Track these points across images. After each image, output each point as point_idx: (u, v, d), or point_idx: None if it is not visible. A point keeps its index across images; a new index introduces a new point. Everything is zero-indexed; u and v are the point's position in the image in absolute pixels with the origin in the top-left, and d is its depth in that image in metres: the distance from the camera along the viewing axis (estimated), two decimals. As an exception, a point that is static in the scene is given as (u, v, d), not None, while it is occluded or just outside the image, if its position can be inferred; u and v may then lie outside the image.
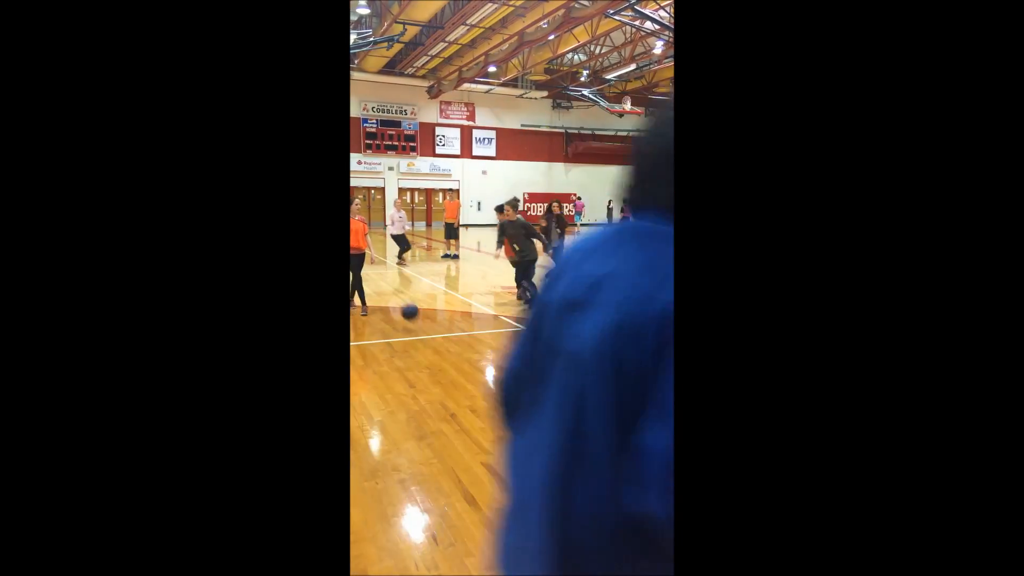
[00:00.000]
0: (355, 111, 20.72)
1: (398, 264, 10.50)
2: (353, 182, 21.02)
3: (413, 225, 21.88)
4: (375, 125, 21.10)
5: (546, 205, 7.36)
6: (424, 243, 15.47)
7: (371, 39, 14.50)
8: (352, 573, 2.02)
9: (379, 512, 2.42)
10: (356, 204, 6.54)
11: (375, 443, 3.13)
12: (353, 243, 6.01)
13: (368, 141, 21.05)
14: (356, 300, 6.26)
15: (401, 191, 21.85)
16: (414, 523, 2.36)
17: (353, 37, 14.45)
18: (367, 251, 6.29)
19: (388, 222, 9.86)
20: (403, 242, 10.92)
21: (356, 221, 6.23)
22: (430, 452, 2.99)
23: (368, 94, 20.69)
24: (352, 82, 19.59)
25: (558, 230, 7.46)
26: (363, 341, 5.25)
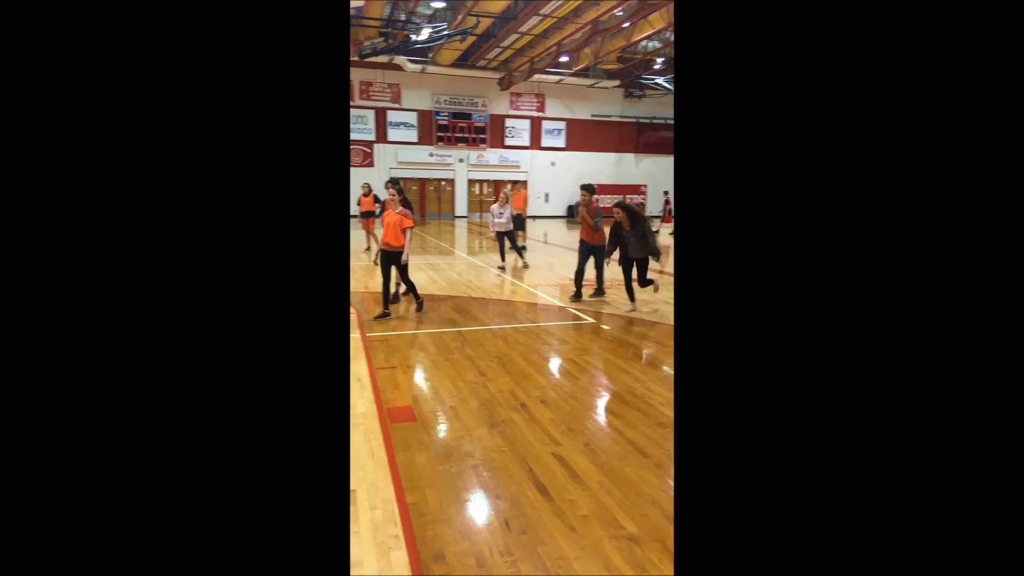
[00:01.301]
0: (427, 104, 21.14)
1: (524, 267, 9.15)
2: (424, 174, 21.49)
3: (480, 216, 22.08)
4: (447, 118, 21.47)
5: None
6: (491, 234, 15.66)
7: (445, 32, 14.72)
8: (430, 551, 2.10)
9: (453, 495, 2.49)
10: (390, 195, 5.58)
11: (448, 428, 3.22)
12: (385, 237, 5.54)
13: (440, 134, 21.46)
14: (383, 294, 5.72)
15: (471, 183, 22.15)
16: (487, 508, 2.41)
17: (427, 32, 14.72)
18: (404, 249, 5.50)
19: (495, 218, 8.93)
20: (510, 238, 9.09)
21: (393, 214, 5.51)
22: (501, 440, 3.04)
23: (441, 87, 21.05)
24: (425, 76, 19.97)
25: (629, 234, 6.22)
26: (434, 329, 5.39)
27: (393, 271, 5.69)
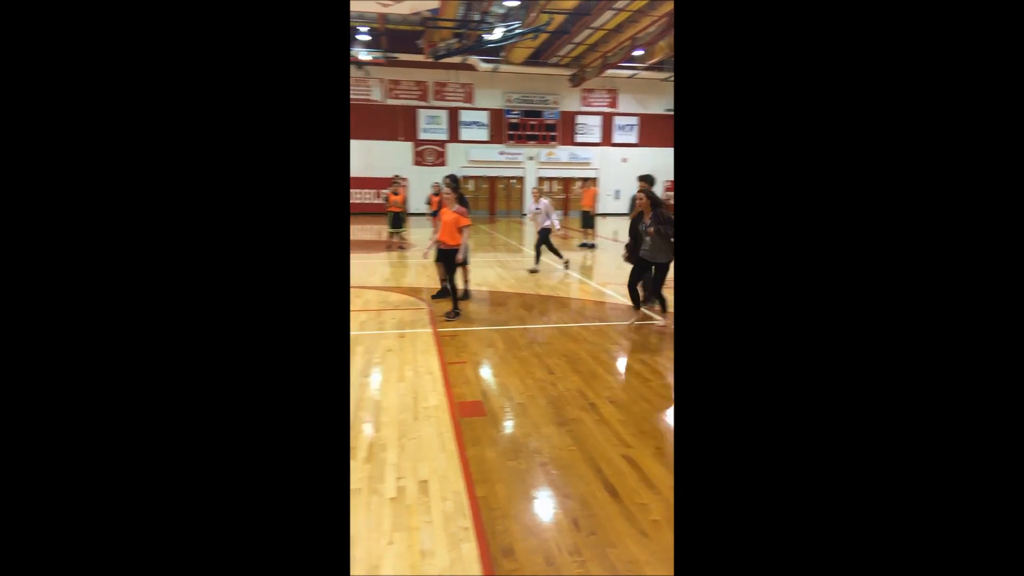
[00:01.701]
0: (499, 103, 21.33)
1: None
2: (494, 172, 21.71)
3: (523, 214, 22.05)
4: (517, 116, 21.57)
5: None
6: (560, 231, 15.60)
7: (517, 31, 14.79)
8: (499, 545, 2.12)
9: (522, 491, 2.51)
10: (445, 192, 5.50)
11: (517, 424, 3.24)
12: (441, 236, 5.45)
13: (510, 132, 21.60)
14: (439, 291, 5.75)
15: (540, 180, 22.15)
16: (556, 507, 2.41)
17: (500, 31, 14.83)
18: (460, 248, 5.39)
19: (534, 215, 8.64)
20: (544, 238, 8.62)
21: (449, 212, 5.40)
22: (570, 439, 3.03)
23: (512, 86, 21.17)
24: (497, 75, 20.15)
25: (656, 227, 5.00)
26: (503, 326, 5.44)
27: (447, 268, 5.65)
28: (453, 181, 5.70)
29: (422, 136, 20.90)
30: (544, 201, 8.71)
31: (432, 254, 6.12)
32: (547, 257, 8.91)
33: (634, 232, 5.27)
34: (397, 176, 11.77)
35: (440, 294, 6.22)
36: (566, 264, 8.72)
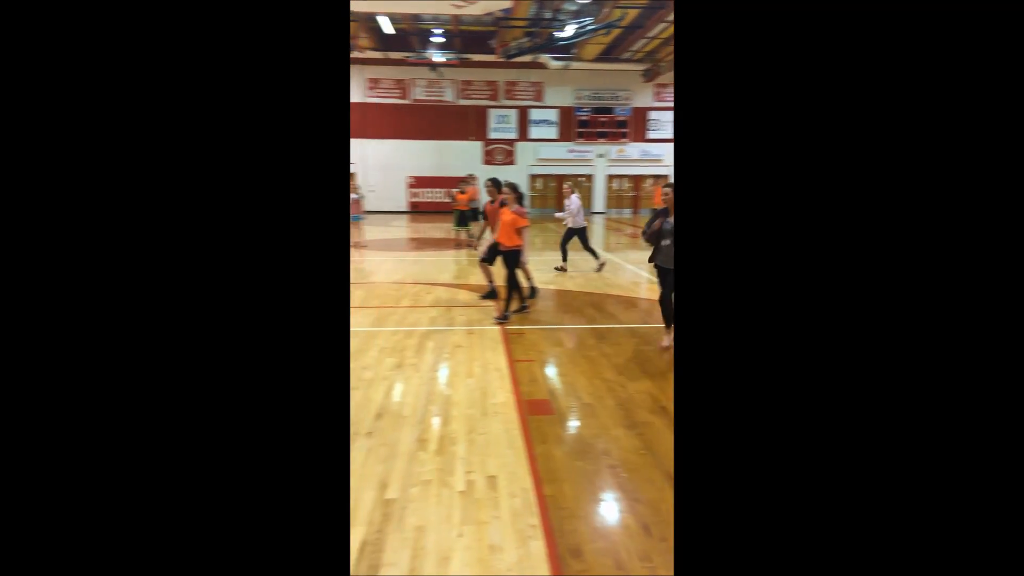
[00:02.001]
0: (569, 100, 21.20)
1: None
2: (563, 171, 21.60)
3: (617, 212, 21.68)
4: (587, 113, 21.36)
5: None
6: (629, 230, 15.29)
7: (590, 27, 14.63)
8: (567, 545, 2.11)
9: (590, 492, 2.49)
10: (504, 193, 5.42)
11: (585, 425, 3.21)
12: (498, 237, 5.38)
13: (580, 129, 21.42)
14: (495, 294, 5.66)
15: (610, 178, 21.84)
16: (625, 510, 2.37)
17: (573, 28, 14.72)
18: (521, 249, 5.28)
19: (570, 212, 8.14)
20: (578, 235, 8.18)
21: (508, 212, 5.31)
22: (639, 442, 2.97)
23: (583, 82, 20.98)
24: (567, 72, 20.02)
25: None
26: (571, 325, 5.40)
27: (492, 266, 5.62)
28: (495, 185, 5.72)
29: (492, 135, 21.12)
30: (575, 198, 8.24)
31: (481, 252, 6.05)
32: (581, 256, 8.56)
33: (656, 234, 4.40)
34: (470, 175, 11.94)
35: (489, 295, 6.20)
36: (601, 266, 8.34)
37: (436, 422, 3.20)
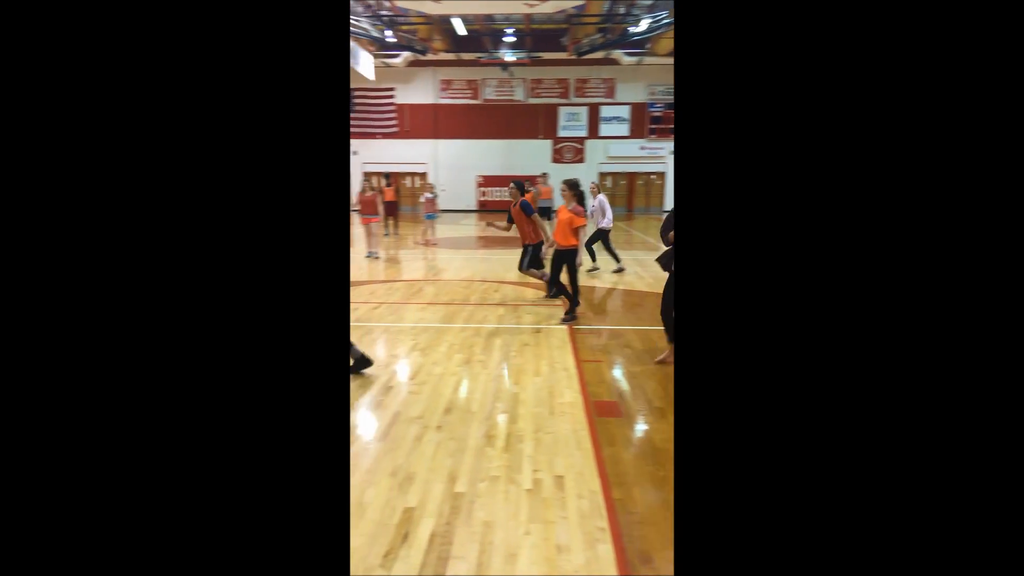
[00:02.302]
0: (641, 96, 20.75)
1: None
2: (633, 168, 21.18)
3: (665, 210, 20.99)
4: (661, 108, 20.83)
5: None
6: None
7: (665, 20, 14.24)
8: (636, 551, 2.07)
9: (661, 499, 2.42)
10: (563, 191, 5.27)
11: (655, 429, 3.13)
12: (554, 235, 5.22)
13: (652, 126, 20.92)
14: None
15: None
16: (696, 519, 2.29)
17: (647, 22, 14.39)
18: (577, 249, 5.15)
19: (597, 213, 7.73)
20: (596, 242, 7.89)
21: (565, 211, 5.18)
22: (713, 450, 2.86)
23: (656, 78, 20.47)
24: (640, 67, 19.60)
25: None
26: (640, 327, 5.28)
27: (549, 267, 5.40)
28: (518, 187, 5.79)
29: (561, 133, 21.03)
30: (601, 197, 7.84)
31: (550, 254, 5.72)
32: (602, 257, 8.21)
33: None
34: (544, 174, 11.91)
35: (555, 294, 5.92)
36: (620, 270, 7.94)
37: (503, 419, 3.22)
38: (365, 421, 3.24)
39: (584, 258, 5.28)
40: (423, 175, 20.90)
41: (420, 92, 20.97)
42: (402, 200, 13.56)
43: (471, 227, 15.26)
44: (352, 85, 20.15)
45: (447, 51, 18.24)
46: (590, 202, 7.82)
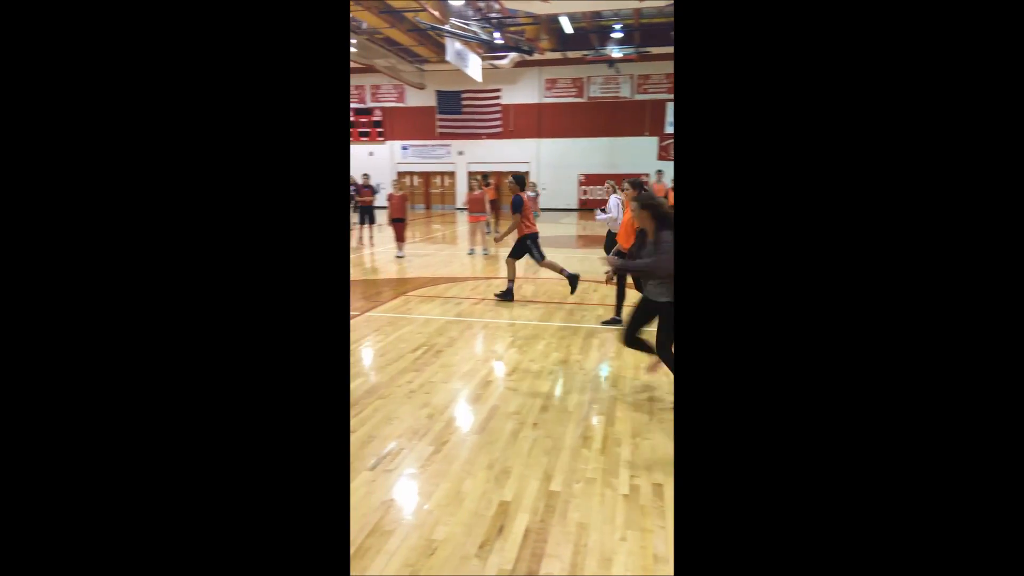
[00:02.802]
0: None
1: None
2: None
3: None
4: (778, 102, 19.50)
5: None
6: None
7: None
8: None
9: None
10: (626, 191, 5.00)
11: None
12: (618, 238, 5.04)
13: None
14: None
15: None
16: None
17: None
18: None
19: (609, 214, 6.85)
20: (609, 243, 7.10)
21: (628, 209, 4.94)
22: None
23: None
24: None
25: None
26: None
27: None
28: (517, 181, 6.07)
29: (668, 130, 20.33)
30: (616, 198, 6.94)
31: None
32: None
33: (636, 259, 3.28)
34: (660, 171, 11.59)
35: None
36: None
37: (600, 421, 3.18)
38: (464, 413, 3.34)
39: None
40: (526, 175, 21.13)
41: (525, 92, 21.22)
42: (503, 199, 13.89)
43: (571, 226, 15.20)
44: (460, 88, 20.84)
45: (553, 50, 18.29)
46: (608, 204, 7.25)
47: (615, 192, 7.34)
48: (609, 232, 7.04)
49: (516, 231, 6.15)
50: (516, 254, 6.16)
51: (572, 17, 15.33)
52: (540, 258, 6.14)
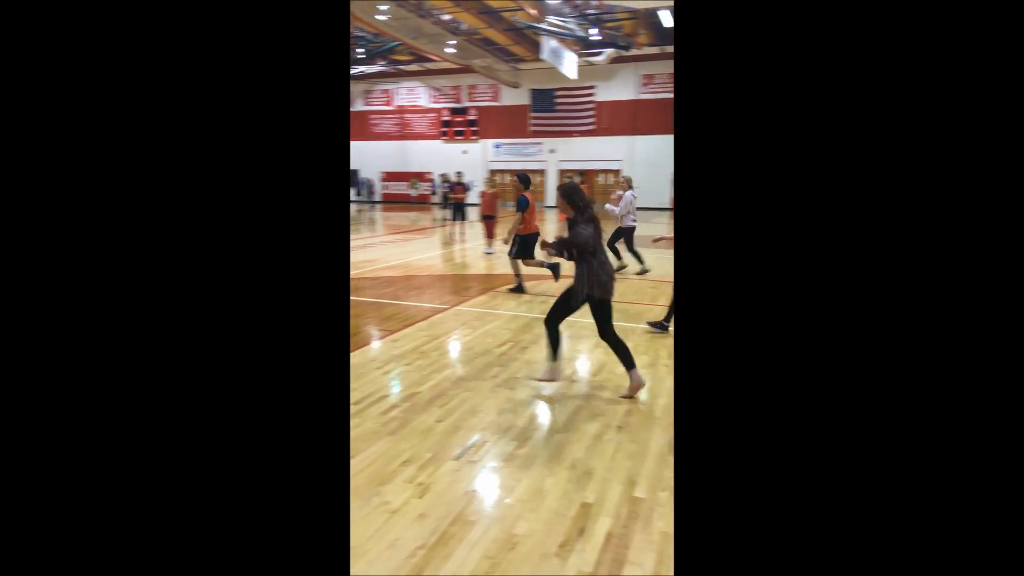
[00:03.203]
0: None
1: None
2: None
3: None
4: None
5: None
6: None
7: None
8: None
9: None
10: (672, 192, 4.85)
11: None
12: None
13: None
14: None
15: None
16: None
17: None
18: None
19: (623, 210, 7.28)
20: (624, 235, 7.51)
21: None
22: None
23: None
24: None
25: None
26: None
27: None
28: (521, 180, 6.13)
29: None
30: (629, 194, 7.08)
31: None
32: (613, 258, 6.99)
33: (567, 246, 3.44)
34: None
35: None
36: (644, 271, 7.36)
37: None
38: (547, 411, 3.34)
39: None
40: (616, 172, 20.76)
41: (620, 89, 20.83)
42: (595, 197, 13.73)
43: (662, 226, 14.74)
44: (555, 85, 20.82)
45: (651, 45, 17.79)
46: (619, 198, 7.42)
47: (629, 187, 7.51)
48: (621, 228, 7.47)
49: (518, 229, 6.31)
50: (521, 254, 6.31)
51: (672, 10, 14.82)
52: (523, 256, 6.35)
